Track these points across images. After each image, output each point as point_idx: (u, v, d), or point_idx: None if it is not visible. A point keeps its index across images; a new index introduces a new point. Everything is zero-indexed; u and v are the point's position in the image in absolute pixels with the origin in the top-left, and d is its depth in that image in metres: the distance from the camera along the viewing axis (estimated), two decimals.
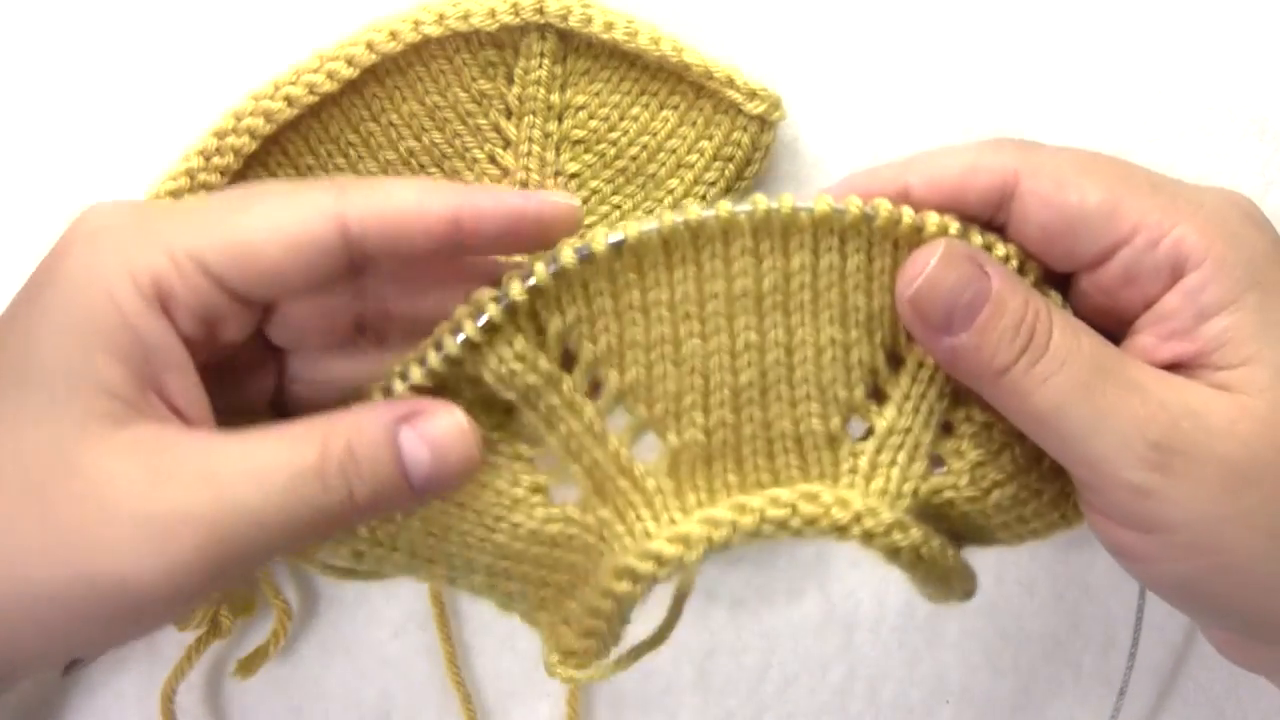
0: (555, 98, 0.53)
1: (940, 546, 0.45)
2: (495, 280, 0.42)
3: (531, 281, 0.42)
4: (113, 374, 0.38)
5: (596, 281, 0.43)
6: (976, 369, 0.42)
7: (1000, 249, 0.43)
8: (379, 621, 0.59)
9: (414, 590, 0.58)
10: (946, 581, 0.46)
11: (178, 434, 0.39)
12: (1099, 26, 0.57)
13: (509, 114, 0.53)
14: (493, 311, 0.42)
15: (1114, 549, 0.43)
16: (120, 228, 0.39)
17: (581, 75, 0.53)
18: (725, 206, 0.42)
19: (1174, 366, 0.41)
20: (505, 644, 0.59)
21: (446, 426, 0.41)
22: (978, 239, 0.42)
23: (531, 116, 0.53)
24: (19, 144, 0.55)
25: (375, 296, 0.44)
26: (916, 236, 0.42)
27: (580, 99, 0.53)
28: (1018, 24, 0.57)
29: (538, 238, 0.42)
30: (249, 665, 0.56)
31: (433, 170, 0.53)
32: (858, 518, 0.44)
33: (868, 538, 0.44)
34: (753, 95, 0.53)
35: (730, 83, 0.52)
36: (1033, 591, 0.60)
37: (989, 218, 0.43)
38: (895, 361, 0.45)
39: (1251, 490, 0.39)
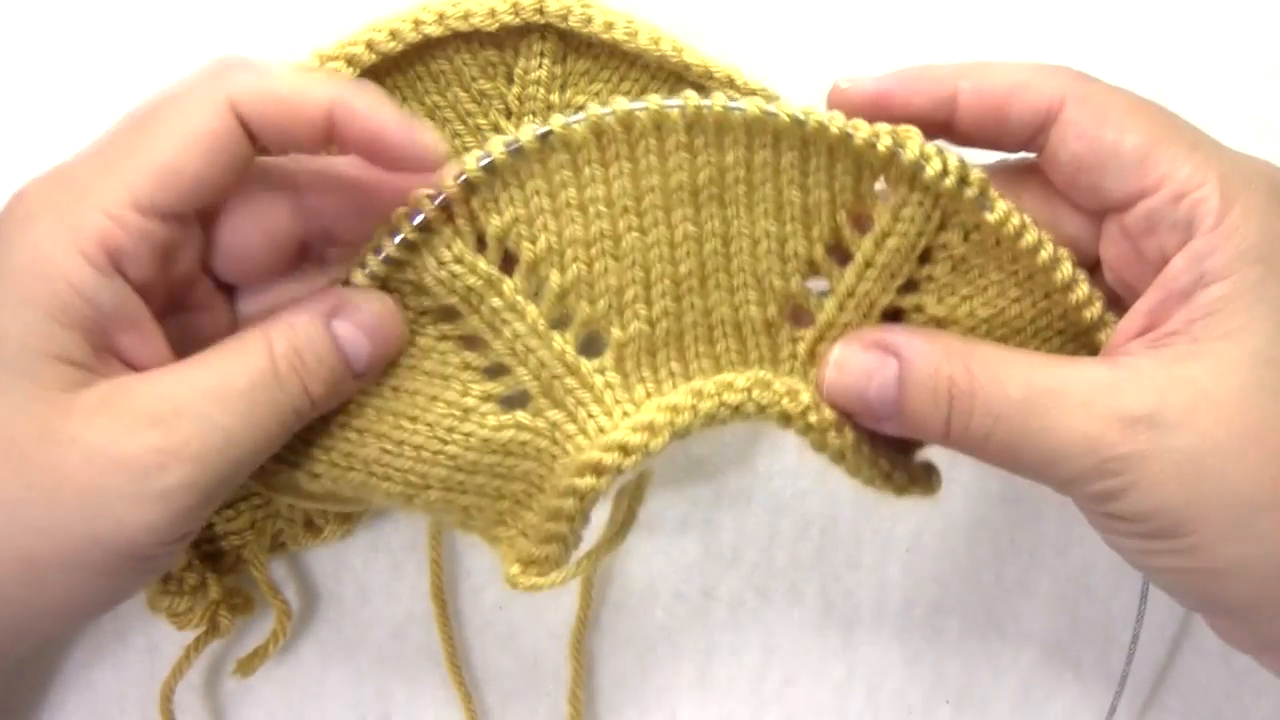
0: (555, 98, 0.53)
1: (870, 456, 0.46)
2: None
3: (463, 177, 0.43)
4: (71, 345, 0.39)
5: (533, 181, 0.43)
6: (925, 437, 0.44)
7: (936, 163, 0.42)
8: (379, 621, 0.59)
9: (414, 590, 0.58)
10: (874, 484, 0.47)
11: (136, 380, 0.41)
12: (1099, 27, 0.57)
13: (509, 114, 0.53)
14: (427, 208, 0.43)
15: (1101, 535, 0.44)
16: (56, 204, 0.41)
17: (581, 75, 0.53)
18: (656, 101, 0.43)
19: (1172, 334, 0.41)
20: (505, 644, 0.59)
21: (376, 309, 0.44)
22: (913, 152, 0.42)
23: (531, 116, 0.53)
24: (19, 145, 0.55)
25: (316, 216, 0.45)
26: (847, 141, 0.43)
27: (580, 99, 0.53)
28: (1017, 24, 0.57)
29: (394, 160, 0.43)
30: (248, 665, 0.56)
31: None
32: (805, 410, 0.44)
33: (807, 429, 0.45)
34: (752, 95, 0.52)
35: (730, 83, 0.52)
36: (1032, 591, 0.60)
37: (1028, 138, 0.43)
38: (842, 256, 0.45)
39: (1209, 477, 0.39)
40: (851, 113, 0.44)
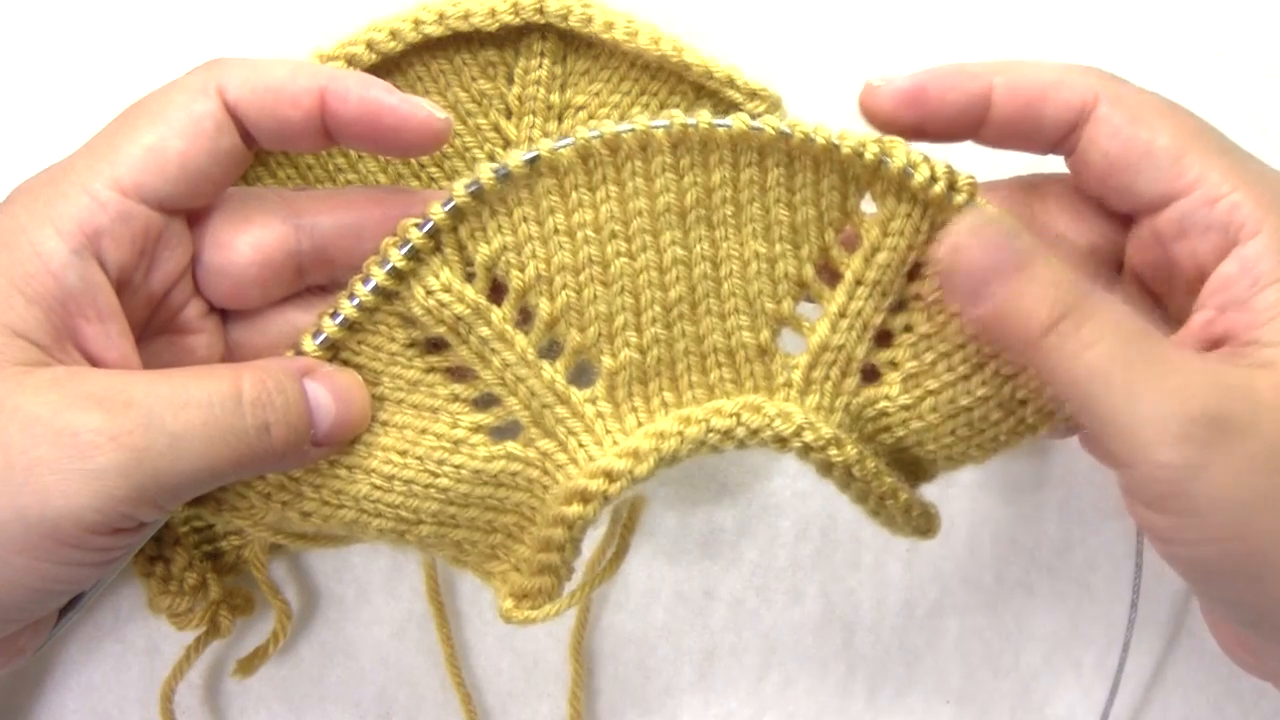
0: (555, 98, 0.53)
1: (875, 469, 0.45)
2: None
3: (451, 203, 0.43)
4: (30, 321, 0.39)
5: (521, 208, 0.43)
6: (1019, 328, 0.41)
7: (924, 169, 0.42)
8: (379, 621, 0.59)
9: (414, 590, 0.58)
10: (884, 508, 0.46)
11: (92, 370, 0.40)
12: (1098, 27, 0.57)
13: (509, 114, 0.53)
14: (415, 236, 0.43)
15: (1146, 529, 0.42)
16: (39, 187, 0.41)
17: (581, 75, 0.53)
18: (642, 121, 0.42)
19: (1225, 341, 0.41)
20: (505, 644, 0.59)
21: (347, 380, 0.43)
22: (900, 159, 0.42)
23: (531, 116, 0.53)
24: (19, 146, 0.55)
25: (310, 235, 0.45)
26: (834, 153, 0.43)
27: (580, 99, 0.53)
28: (1017, 23, 0.57)
29: (397, 136, 0.42)
30: (248, 665, 0.56)
31: (432, 170, 0.53)
32: (799, 430, 0.44)
33: (806, 451, 0.44)
34: (753, 95, 0.53)
35: (730, 83, 0.52)
36: (1033, 591, 0.60)
37: (1060, 137, 0.43)
38: (831, 276, 0.45)
39: None
40: (886, 109, 0.43)
